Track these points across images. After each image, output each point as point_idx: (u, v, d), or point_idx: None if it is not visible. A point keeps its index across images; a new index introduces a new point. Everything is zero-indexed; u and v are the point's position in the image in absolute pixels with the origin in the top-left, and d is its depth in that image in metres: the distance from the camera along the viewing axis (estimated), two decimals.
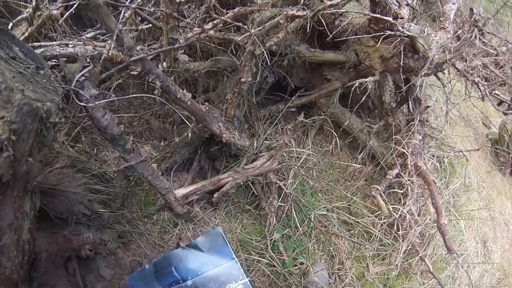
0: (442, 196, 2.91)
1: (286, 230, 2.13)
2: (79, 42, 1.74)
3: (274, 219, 2.07)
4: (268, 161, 2.02)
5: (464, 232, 3.03)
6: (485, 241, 3.34)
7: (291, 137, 2.28)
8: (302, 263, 2.08)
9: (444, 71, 2.56)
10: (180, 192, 1.87)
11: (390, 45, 2.16)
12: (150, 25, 1.98)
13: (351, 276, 2.20)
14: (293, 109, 2.65)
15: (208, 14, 1.84)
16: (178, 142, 1.96)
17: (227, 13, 1.91)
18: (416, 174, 2.49)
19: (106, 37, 1.84)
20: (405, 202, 2.44)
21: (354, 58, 2.37)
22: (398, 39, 2.09)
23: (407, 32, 2.00)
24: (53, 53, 1.66)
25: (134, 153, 1.55)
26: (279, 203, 2.11)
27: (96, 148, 2.00)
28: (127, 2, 1.53)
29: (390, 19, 2.00)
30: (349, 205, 2.48)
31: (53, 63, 1.59)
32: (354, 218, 2.41)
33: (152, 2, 1.85)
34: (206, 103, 1.89)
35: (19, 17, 1.78)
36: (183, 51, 1.98)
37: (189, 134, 1.85)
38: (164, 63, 1.69)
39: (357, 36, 2.23)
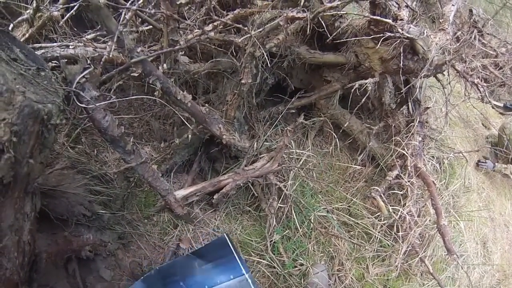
0: (442, 197, 2.91)
1: (286, 232, 2.13)
2: (80, 44, 1.75)
3: (274, 221, 2.08)
4: (268, 162, 2.02)
5: (464, 233, 3.03)
6: (485, 242, 3.34)
7: (291, 139, 2.28)
8: (302, 264, 2.08)
9: (444, 73, 2.56)
10: (180, 193, 1.88)
11: (390, 46, 2.16)
12: (151, 26, 1.98)
13: (351, 277, 2.20)
14: (293, 111, 2.66)
15: (208, 15, 1.84)
16: (178, 144, 1.96)
17: (227, 14, 1.91)
18: (416, 175, 2.49)
19: (107, 38, 1.84)
20: (405, 203, 2.44)
21: (354, 60, 2.37)
22: (398, 41, 2.09)
23: (407, 34, 2.00)
24: (53, 55, 1.66)
25: (135, 155, 1.55)
26: (279, 205, 2.11)
27: (97, 149, 2.00)
28: (128, 4, 1.53)
29: (390, 21, 2.00)
30: (349, 206, 2.48)
31: (53, 64, 1.59)
32: (354, 219, 2.41)
33: (153, 4, 1.85)
34: (206, 105, 1.89)
35: (20, 18, 1.78)
36: (183, 52, 1.98)
37: (189, 136, 1.85)
38: (165, 65, 1.69)
39: (357, 38, 2.24)
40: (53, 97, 1.08)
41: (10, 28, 1.76)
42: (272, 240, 2.05)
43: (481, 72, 3.12)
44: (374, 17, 2.03)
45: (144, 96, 1.81)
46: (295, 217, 2.16)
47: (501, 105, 4.39)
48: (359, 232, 2.39)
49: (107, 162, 1.99)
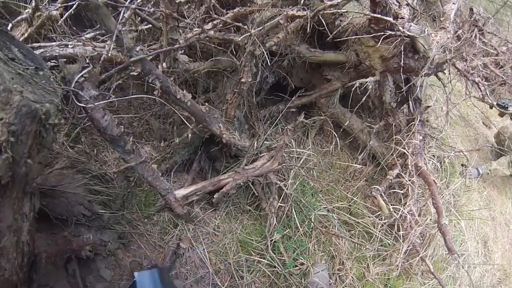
0: (443, 196, 2.90)
1: (287, 231, 2.13)
2: (79, 43, 1.74)
3: (275, 220, 2.07)
4: (268, 161, 2.01)
5: (465, 232, 3.03)
6: (486, 241, 3.34)
7: (291, 138, 2.28)
8: (302, 264, 2.08)
9: (445, 71, 2.55)
10: (180, 192, 1.87)
11: (391, 45, 2.15)
12: (150, 25, 1.97)
13: (351, 276, 2.20)
14: (293, 110, 2.65)
15: (208, 14, 1.84)
16: (178, 143, 1.96)
17: (227, 13, 1.90)
18: (417, 174, 2.49)
19: (106, 37, 1.83)
20: (406, 202, 2.44)
21: (354, 58, 2.36)
22: (399, 39, 2.09)
23: (408, 32, 1.99)
24: (52, 54, 1.65)
25: (134, 154, 1.55)
26: (279, 204, 2.10)
27: (96, 148, 1.99)
28: (127, 3, 1.53)
29: (391, 19, 1.99)
30: (349, 205, 2.48)
31: (52, 63, 1.59)
32: (354, 219, 2.40)
33: (152, 3, 1.84)
34: (206, 104, 1.88)
35: (19, 18, 1.77)
36: (183, 51, 1.97)
37: (189, 135, 1.85)
38: (164, 64, 1.68)
39: (358, 36, 2.23)
40: (51, 96, 1.07)
41: (9, 28, 1.76)
42: (272, 240, 2.05)
43: (482, 71, 3.12)
44: (375, 15, 2.02)
45: (143, 95, 1.80)
46: (295, 216, 2.15)
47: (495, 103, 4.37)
48: (359, 231, 2.39)
49: (107, 161, 1.98)
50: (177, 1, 1.57)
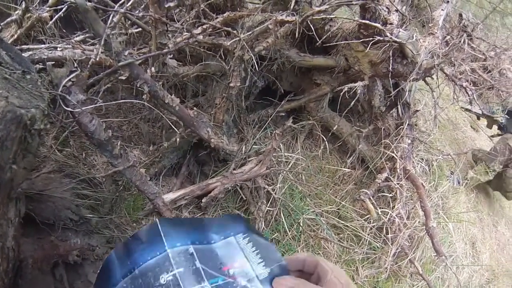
0: (431, 199, 2.94)
1: (275, 235, 2.13)
2: (68, 46, 1.73)
3: (263, 224, 2.07)
4: (256, 166, 2.02)
5: (453, 234, 3.07)
6: (474, 243, 3.39)
7: (279, 142, 2.28)
8: None
9: (433, 76, 2.59)
10: (169, 197, 1.86)
11: (380, 50, 2.18)
12: (140, 29, 1.97)
13: None
14: (283, 114, 2.65)
15: (198, 18, 1.84)
16: (166, 147, 1.95)
17: (216, 17, 1.91)
18: (405, 177, 2.52)
19: (95, 41, 1.82)
20: (394, 206, 2.47)
21: (343, 63, 2.39)
22: (387, 45, 2.11)
23: (396, 38, 2.02)
24: (41, 57, 1.64)
25: (122, 158, 1.54)
26: (267, 208, 2.10)
27: (85, 152, 1.98)
28: (116, 7, 1.53)
29: (379, 25, 2.02)
30: (338, 209, 2.49)
31: (41, 67, 1.58)
32: (343, 222, 2.42)
33: (142, 7, 1.84)
34: (195, 108, 1.88)
35: (8, 19, 1.75)
36: (172, 56, 1.97)
37: (178, 139, 1.84)
38: (153, 68, 1.68)
39: (347, 41, 2.25)
40: (37, 101, 1.06)
41: None
42: None
43: (470, 76, 3.16)
44: (363, 21, 2.05)
45: (131, 100, 1.80)
46: (284, 220, 2.16)
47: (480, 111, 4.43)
48: (348, 234, 2.41)
49: (95, 165, 1.97)
50: (166, 6, 1.57)
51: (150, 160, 2.07)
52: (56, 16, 1.70)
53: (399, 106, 2.76)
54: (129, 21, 1.93)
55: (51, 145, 1.87)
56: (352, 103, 2.28)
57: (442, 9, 2.75)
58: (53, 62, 1.63)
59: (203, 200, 1.96)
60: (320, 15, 1.88)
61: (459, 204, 3.41)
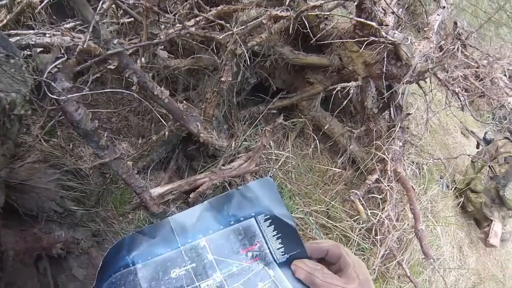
0: (420, 202, 2.95)
1: None
2: (57, 32, 1.68)
3: None
4: (245, 162, 1.99)
5: (441, 237, 3.09)
6: (461, 246, 3.41)
7: (270, 139, 2.26)
8: None
9: (426, 80, 2.59)
10: (156, 191, 1.83)
11: (374, 51, 2.17)
12: (132, 18, 1.93)
13: None
14: (274, 111, 2.63)
15: (191, 10, 1.81)
16: (155, 140, 1.92)
17: (210, 10, 1.88)
18: (396, 180, 2.51)
19: (84, 28, 1.78)
20: (384, 207, 2.47)
21: (337, 62, 2.37)
22: (382, 46, 2.11)
23: (391, 39, 2.01)
24: (29, 42, 1.60)
25: (109, 150, 1.50)
26: None
27: (72, 143, 1.93)
28: None
29: (375, 24, 2.01)
30: (327, 209, 2.48)
31: (28, 52, 1.53)
32: (332, 222, 2.41)
33: None
34: (185, 102, 1.85)
35: None
36: (163, 47, 1.94)
37: (166, 133, 1.81)
38: (143, 59, 1.65)
39: (342, 40, 2.24)
40: (19, 86, 1.03)
41: None
42: None
43: (462, 82, 3.17)
44: (360, 19, 2.03)
45: (119, 90, 1.75)
46: None
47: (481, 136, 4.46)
48: (337, 235, 2.39)
49: (82, 156, 1.92)
50: None
51: (139, 154, 2.03)
52: (45, 2, 1.65)
53: (391, 108, 2.76)
54: (121, 10, 1.89)
55: (37, 134, 1.82)
56: (345, 103, 2.27)
57: (438, 14, 2.75)
58: (41, 49, 1.59)
59: (190, 196, 1.93)
60: (315, 10, 1.86)
61: (448, 208, 3.43)
